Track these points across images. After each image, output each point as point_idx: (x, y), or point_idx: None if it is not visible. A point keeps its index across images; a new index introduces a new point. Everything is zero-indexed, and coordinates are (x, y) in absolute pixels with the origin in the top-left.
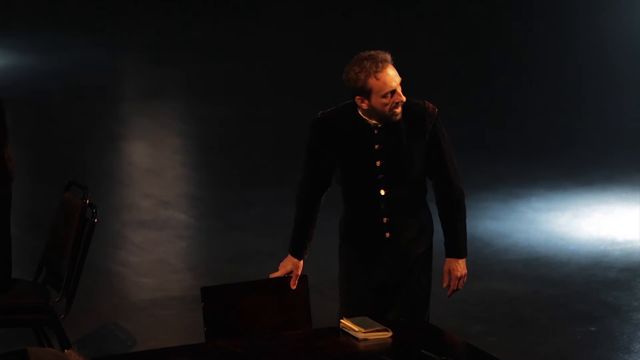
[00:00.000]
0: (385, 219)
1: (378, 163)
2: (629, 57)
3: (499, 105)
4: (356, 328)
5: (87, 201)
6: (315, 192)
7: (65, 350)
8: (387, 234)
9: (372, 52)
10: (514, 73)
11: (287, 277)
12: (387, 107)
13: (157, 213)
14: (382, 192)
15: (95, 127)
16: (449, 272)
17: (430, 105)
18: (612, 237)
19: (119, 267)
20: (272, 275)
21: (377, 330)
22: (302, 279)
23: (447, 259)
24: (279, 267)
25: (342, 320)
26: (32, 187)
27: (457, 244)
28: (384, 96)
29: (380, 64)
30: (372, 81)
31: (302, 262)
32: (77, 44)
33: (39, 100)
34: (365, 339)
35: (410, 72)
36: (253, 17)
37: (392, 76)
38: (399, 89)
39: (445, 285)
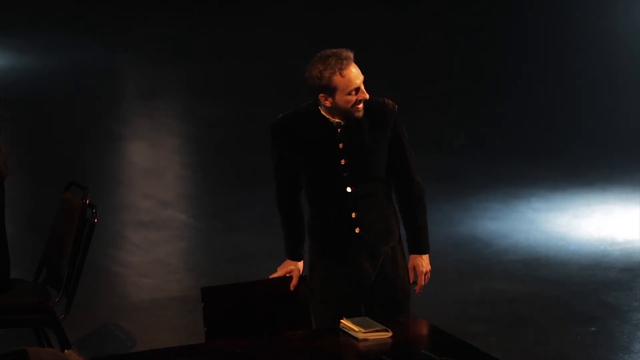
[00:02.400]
0: (353, 214)
1: (343, 161)
2: (629, 56)
3: (499, 106)
4: (356, 328)
5: (87, 201)
6: (292, 195)
7: (65, 350)
8: (357, 230)
9: (335, 50)
10: (513, 73)
11: (287, 277)
12: (350, 104)
13: (156, 213)
14: (349, 190)
15: (95, 127)
16: (414, 268)
17: (390, 102)
18: (612, 238)
19: (119, 267)
20: (272, 276)
21: (377, 330)
22: (302, 279)
23: (411, 256)
24: (278, 269)
25: (342, 321)
26: (32, 187)
27: (419, 240)
28: (349, 93)
29: (345, 62)
30: (337, 78)
31: (301, 262)
32: (77, 44)
33: (39, 100)
34: (365, 339)
35: (411, 72)
36: (253, 17)
37: (355, 73)
38: (363, 87)
39: (412, 281)
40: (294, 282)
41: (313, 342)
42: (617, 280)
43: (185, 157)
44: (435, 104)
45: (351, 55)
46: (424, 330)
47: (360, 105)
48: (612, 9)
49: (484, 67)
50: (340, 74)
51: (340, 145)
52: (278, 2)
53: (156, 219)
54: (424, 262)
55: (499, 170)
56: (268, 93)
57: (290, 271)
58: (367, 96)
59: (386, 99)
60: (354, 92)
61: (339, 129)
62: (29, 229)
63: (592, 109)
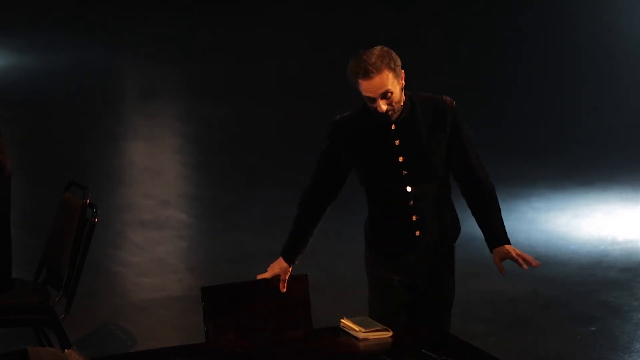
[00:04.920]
0: (414, 217)
1: (401, 159)
2: (629, 56)
3: (499, 105)
4: (356, 328)
5: (87, 201)
6: (323, 200)
7: (65, 350)
8: (417, 232)
9: (365, 56)
10: (513, 73)
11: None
12: (373, 109)
13: (157, 213)
14: (409, 189)
15: (95, 127)
16: (502, 259)
17: (448, 98)
18: (612, 237)
19: (119, 267)
20: (260, 276)
21: (377, 330)
22: (302, 279)
23: (495, 250)
24: (268, 269)
25: (342, 320)
26: (32, 187)
27: (499, 234)
28: (368, 100)
29: (363, 71)
30: (357, 85)
31: (291, 267)
32: (77, 44)
33: (39, 100)
34: (366, 339)
35: (410, 72)
36: (253, 17)
37: (370, 85)
38: (379, 100)
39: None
40: (281, 285)
41: (313, 342)
42: (617, 280)
43: (185, 157)
44: None
45: (379, 63)
46: (424, 330)
47: (383, 112)
48: (612, 9)
49: (484, 66)
50: (358, 82)
51: (397, 142)
52: (278, 2)
53: (156, 218)
54: (510, 248)
55: (499, 170)
56: (268, 93)
57: (277, 275)
58: (384, 109)
59: (444, 96)
60: (370, 101)
61: (393, 125)
62: (29, 229)
63: (592, 108)
